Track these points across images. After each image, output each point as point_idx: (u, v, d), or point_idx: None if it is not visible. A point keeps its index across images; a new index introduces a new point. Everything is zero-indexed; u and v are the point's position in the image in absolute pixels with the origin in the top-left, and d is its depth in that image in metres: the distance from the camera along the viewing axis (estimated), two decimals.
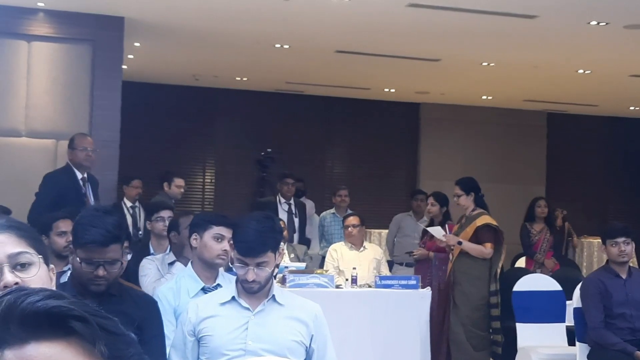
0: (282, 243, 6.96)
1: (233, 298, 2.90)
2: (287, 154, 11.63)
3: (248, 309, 2.88)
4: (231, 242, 3.27)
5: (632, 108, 12.32)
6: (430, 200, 7.62)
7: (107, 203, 7.29)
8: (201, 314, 2.90)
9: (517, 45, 8.32)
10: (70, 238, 4.40)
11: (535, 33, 7.71)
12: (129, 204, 8.33)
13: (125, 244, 3.71)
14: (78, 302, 0.91)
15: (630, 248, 5.00)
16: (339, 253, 7.07)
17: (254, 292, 2.88)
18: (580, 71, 9.53)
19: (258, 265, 2.84)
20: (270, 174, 9.25)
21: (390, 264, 8.57)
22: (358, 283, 6.58)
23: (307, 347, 2.91)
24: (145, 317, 2.71)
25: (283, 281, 6.25)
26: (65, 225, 4.26)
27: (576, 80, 10.13)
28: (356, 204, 11.73)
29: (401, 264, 8.64)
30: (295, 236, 8.10)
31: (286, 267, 6.49)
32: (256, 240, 2.84)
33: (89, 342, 0.87)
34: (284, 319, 2.89)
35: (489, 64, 9.33)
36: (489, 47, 8.47)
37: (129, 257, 3.77)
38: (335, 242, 7.74)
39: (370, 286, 6.52)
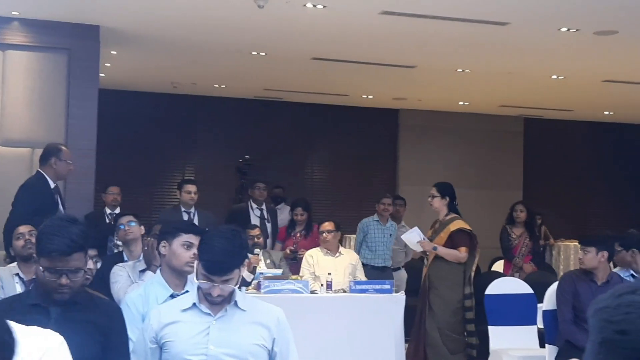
0: (258, 250, 7.01)
1: (194, 304, 2.94)
2: (267, 161, 11.68)
3: (209, 314, 2.92)
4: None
5: (606, 113, 12.46)
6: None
7: (86, 212, 7.34)
8: (163, 320, 2.94)
9: (491, 52, 8.42)
10: (27, 238, 4.56)
11: (508, 40, 7.80)
12: (109, 211, 8.34)
13: (94, 252, 3.76)
14: None
15: (589, 257, 5.14)
16: (315, 259, 7.12)
17: (216, 303, 2.92)
18: (554, 77, 9.65)
19: (224, 282, 2.87)
20: (249, 181, 9.28)
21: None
22: (333, 288, 6.65)
23: (269, 350, 2.95)
24: (110, 324, 2.75)
25: (258, 287, 6.30)
26: (23, 229, 4.67)
27: (551, 86, 10.25)
28: (336, 209, 11.82)
29: None
30: (268, 241, 8.14)
31: (261, 273, 6.54)
32: (224, 259, 2.84)
33: None
34: (245, 324, 2.93)
35: (464, 71, 9.43)
36: (463, 53, 8.56)
37: (99, 265, 3.80)
38: (377, 249, 7.97)
39: (345, 291, 6.59)
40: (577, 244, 9.79)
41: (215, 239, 2.87)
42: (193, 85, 11.08)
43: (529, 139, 13.27)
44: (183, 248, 3.51)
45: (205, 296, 2.91)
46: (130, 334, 3.16)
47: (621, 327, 0.89)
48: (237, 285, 2.92)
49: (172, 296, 3.49)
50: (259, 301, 3.09)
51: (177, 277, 3.55)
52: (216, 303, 2.90)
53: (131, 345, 3.02)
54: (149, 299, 3.46)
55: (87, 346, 2.58)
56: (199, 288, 2.94)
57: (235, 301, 2.94)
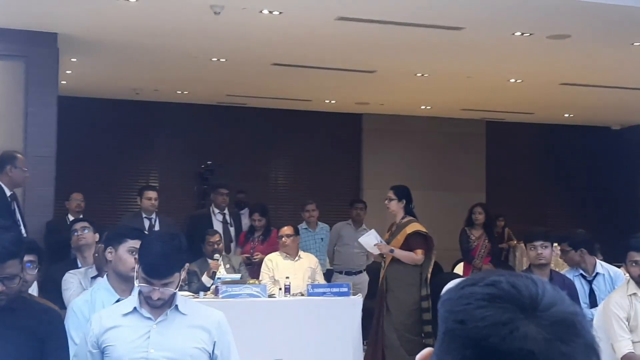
0: (217, 255, 7.03)
1: (135, 309, 2.98)
2: (231, 166, 11.69)
3: (150, 318, 2.96)
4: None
5: (566, 115, 12.65)
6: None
7: (46, 218, 7.33)
8: (104, 325, 2.97)
9: (448, 56, 8.52)
10: None
11: (464, 44, 7.91)
12: (72, 218, 8.31)
13: (32, 257, 3.78)
14: None
15: (548, 252, 5.19)
16: (274, 263, 7.17)
17: (157, 307, 2.96)
18: (512, 80, 9.78)
19: (163, 285, 2.91)
20: (211, 186, 9.32)
21: (331, 273, 8.72)
22: (293, 292, 6.70)
23: (210, 353, 2.99)
24: (48, 330, 2.77)
25: (216, 292, 6.34)
26: None
27: (510, 89, 10.38)
28: (300, 214, 11.85)
29: (341, 273, 8.79)
30: (232, 245, 8.17)
31: (219, 278, 6.58)
32: (162, 262, 2.89)
33: None
34: (186, 328, 2.97)
35: (423, 75, 9.52)
36: (421, 58, 8.65)
37: (35, 271, 3.81)
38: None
39: (303, 295, 6.65)
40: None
41: (154, 243, 2.92)
42: (155, 92, 11.07)
43: (491, 142, 13.41)
44: (129, 254, 3.54)
45: (145, 300, 2.94)
46: (76, 339, 3.19)
47: (460, 317, 0.95)
48: (178, 289, 2.96)
49: (119, 302, 3.51)
50: (200, 305, 3.14)
51: (124, 282, 3.57)
52: (157, 307, 2.94)
53: (75, 350, 3.05)
54: (95, 305, 3.48)
55: (24, 352, 2.61)
56: (139, 292, 2.98)
57: (176, 305, 2.98)
